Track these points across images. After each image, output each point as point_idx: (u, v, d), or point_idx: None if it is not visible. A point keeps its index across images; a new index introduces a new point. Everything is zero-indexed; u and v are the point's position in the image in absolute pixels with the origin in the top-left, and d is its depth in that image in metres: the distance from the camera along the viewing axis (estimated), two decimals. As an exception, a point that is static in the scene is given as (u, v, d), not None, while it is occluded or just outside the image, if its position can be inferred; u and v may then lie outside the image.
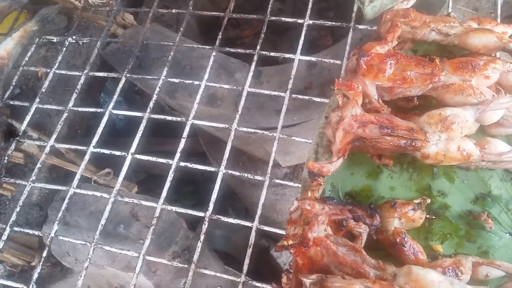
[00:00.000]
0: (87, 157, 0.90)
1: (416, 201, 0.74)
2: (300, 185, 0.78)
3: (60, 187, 0.89)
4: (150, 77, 0.97)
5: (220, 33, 0.98)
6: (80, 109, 0.97)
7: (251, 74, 0.91)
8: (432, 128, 0.70)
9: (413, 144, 0.71)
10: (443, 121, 0.70)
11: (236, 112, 0.87)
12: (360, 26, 0.93)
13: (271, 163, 0.82)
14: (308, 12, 0.96)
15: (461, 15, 2.74)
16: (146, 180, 2.15)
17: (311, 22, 0.96)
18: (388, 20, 0.84)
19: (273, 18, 0.98)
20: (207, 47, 0.98)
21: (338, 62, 0.91)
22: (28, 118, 0.99)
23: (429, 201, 0.74)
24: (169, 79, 0.94)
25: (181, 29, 1.00)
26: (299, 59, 0.92)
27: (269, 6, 0.99)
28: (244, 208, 1.97)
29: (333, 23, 0.96)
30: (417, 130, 0.71)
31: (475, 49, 0.80)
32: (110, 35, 1.21)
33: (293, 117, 1.02)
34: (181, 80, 0.94)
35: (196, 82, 0.92)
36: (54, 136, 0.95)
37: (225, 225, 1.93)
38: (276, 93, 0.90)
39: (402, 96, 0.77)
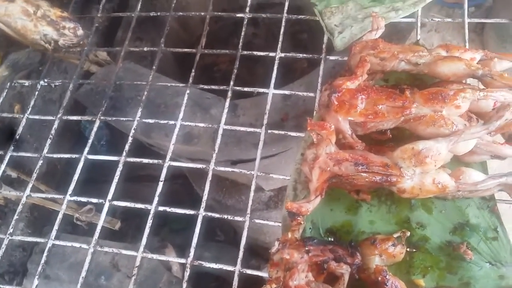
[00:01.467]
0: (64, 206, 0.88)
1: (396, 235, 0.74)
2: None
3: (38, 239, 0.87)
4: (124, 118, 0.96)
5: (193, 70, 0.97)
6: (55, 155, 0.95)
7: (225, 111, 0.91)
8: (406, 162, 0.71)
9: (389, 179, 0.71)
10: (417, 156, 0.70)
11: (213, 151, 0.86)
12: (331, 57, 0.94)
13: (250, 203, 0.82)
14: (279, 46, 0.97)
15: (435, 23, 2.78)
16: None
17: (283, 55, 0.96)
18: (357, 52, 0.85)
19: (245, 52, 0.98)
20: (181, 85, 0.97)
21: (312, 94, 0.91)
22: (2, 167, 0.97)
23: (408, 234, 0.74)
24: (143, 120, 0.93)
25: (154, 67, 0.99)
26: (273, 93, 0.92)
27: (241, 40, 0.99)
28: (232, 229, 1.97)
29: (305, 55, 0.96)
30: (391, 166, 0.72)
31: (445, 77, 0.81)
32: (84, 73, 1.21)
33: (271, 148, 1.02)
34: (156, 121, 0.93)
35: (171, 122, 0.92)
36: (30, 185, 0.93)
37: (214, 248, 1.92)
38: (252, 129, 0.90)
39: (375, 130, 0.78)
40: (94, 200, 0.88)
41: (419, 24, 0.94)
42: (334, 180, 0.74)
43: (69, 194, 0.89)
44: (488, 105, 0.78)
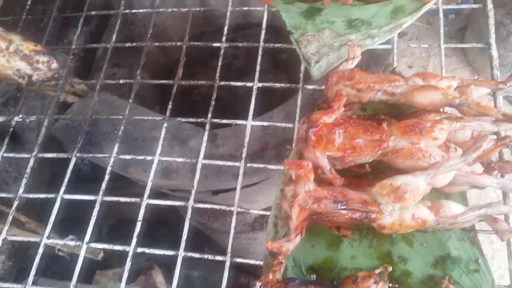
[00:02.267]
0: (41, 250, 0.86)
1: (378, 270, 0.73)
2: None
3: (15, 286, 0.85)
4: (101, 155, 0.94)
5: (170, 102, 0.96)
6: (30, 195, 0.93)
7: (204, 144, 0.90)
8: (385, 199, 0.70)
9: (368, 216, 0.71)
10: (395, 191, 0.70)
11: (192, 188, 0.85)
12: (309, 86, 0.93)
13: (230, 241, 0.80)
14: (257, 75, 0.96)
15: (416, 30, 2.79)
16: (117, 225, 2.11)
17: (260, 85, 0.95)
18: (334, 83, 0.84)
19: (222, 83, 0.97)
20: (158, 118, 0.96)
21: (290, 125, 0.90)
22: (-23, 208, 0.95)
23: (390, 269, 0.74)
24: (120, 156, 0.92)
25: (130, 100, 0.98)
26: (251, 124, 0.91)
27: (218, 71, 0.98)
28: (221, 247, 1.95)
29: (282, 85, 0.95)
30: (370, 202, 0.71)
31: (422, 106, 0.80)
32: (61, 105, 1.19)
33: (252, 178, 1.01)
34: (133, 156, 0.92)
35: (149, 158, 0.90)
36: (6, 228, 0.91)
37: (202, 266, 1.90)
38: (231, 163, 0.89)
39: (353, 164, 0.77)
40: (71, 243, 0.86)
41: (395, 51, 0.93)
42: (314, 217, 0.73)
43: (46, 237, 0.87)
44: (466, 135, 0.78)
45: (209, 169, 0.98)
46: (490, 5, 0.93)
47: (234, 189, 0.87)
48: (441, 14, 0.95)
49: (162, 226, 2.02)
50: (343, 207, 0.71)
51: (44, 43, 1.27)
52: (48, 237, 0.88)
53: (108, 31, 1.51)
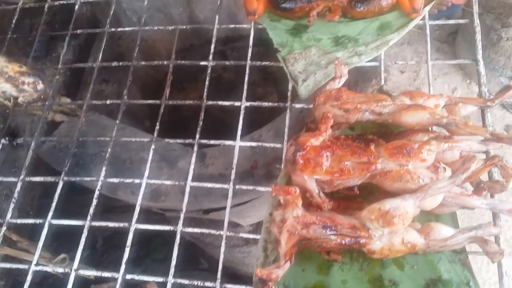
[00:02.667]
0: (29, 277, 0.85)
1: (369, 295, 0.73)
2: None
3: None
4: (88, 178, 0.93)
5: (158, 123, 0.95)
6: (18, 221, 0.92)
7: (192, 166, 0.89)
8: (374, 224, 0.70)
9: (358, 241, 0.70)
10: (384, 216, 0.69)
11: (181, 211, 0.84)
12: (297, 105, 0.92)
13: (220, 266, 0.79)
14: (244, 94, 0.95)
15: (407, 35, 2.80)
16: (112, 237, 2.10)
17: (248, 104, 0.94)
18: (321, 104, 0.83)
19: (210, 102, 0.96)
20: (146, 139, 0.95)
21: (279, 145, 0.89)
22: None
23: (382, 294, 0.73)
24: (108, 180, 0.91)
25: (117, 121, 0.97)
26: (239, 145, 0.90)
27: (205, 90, 0.97)
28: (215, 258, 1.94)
29: (270, 104, 0.95)
30: (359, 227, 0.71)
31: (410, 126, 0.80)
32: (49, 123, 1.17)
33: (242, 197, 1.00)
34: (121, 180, 0.91)
35: (137, 181, 0.89)
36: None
37: (197, 277, 1.89)
38: (219, 185, 0.88)
39: (342, 187, 0.76)
40: (60, 270, 0.85)
41: (382, 69, 0.93)
42: (304, 242, 0.73)
43: (34, 264, 0.86)
44: (454, 155, 0.77)
45: (199, 190, 0.97)
46: (476, 21, 0.93)
47: (225, 207, 0.86)
48: (427, 30, 0.95)
49: (157, 236, 2.01)
50: (332, 232, 0.71)
51: (32, 57, 1.26)
52: (37, 264, 0.87)
53: (97, 43, 1.50)
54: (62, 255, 1.21)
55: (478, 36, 0.91)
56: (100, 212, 0.91)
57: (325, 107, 0.83)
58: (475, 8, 0.94)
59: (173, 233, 0.83)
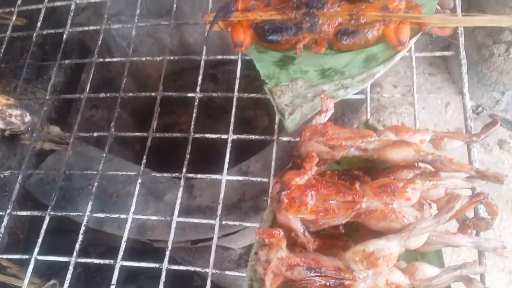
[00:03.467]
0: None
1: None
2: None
3: None
4: (74, 213, 0.93)
5: (144, 157, 0.95)
6: (5, 256, 0.92)
7: (178, 201, 0.89)
8: (358, 265, 0.69)
9: (342, 283, 0.70)
10: (368, 257, 0.69)
11: (166, 248, 0.84)
12: (284, 138, 0.92)
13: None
14: (231, 127, 0.95)
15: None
16: (106, 252, 2.09)
17: (235, 137, 0.94)
18: (307, 139, 0.83)
19: (197, 135, 0.96)
20: (132, 173, 0.95)
21: (266, 180, 0.89)
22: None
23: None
24: (94, 215, 0.90)
25: (104, 155, 0.96)
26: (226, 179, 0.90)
27: (192, 123, 0.97)
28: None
29: (257, 137, 0.94)
30: (344, 269, 0.70)
31: (395, 162, 0.80)
32: (37, 152, 1.17)
33: (230, 229, 1.00)
34: (107, 215, 0.90)
35: (123, 216, 0.89)
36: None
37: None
38: (205, 220, 0.88)
39: (327, 226, 0.76)
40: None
41: (368, 102, 0.93)
42: (289, 283, 0.72)
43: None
44: (439, 192, 0.77)
45: (186, 222, 0.97)
46: (462, 53, 0.93)
47: (211, 238, 0.86)
48: (413, 62, 0.95)
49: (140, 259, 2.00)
50: (316, 274, 0.70)
51: (23, 79, 1.26)
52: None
53: (88, 66, 1.50)
54: (52, 281, 1.21)
55: (464, 69, 0.91)
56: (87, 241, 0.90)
57: (310, 143, 0.83)
58: (461, 40, 0.94)
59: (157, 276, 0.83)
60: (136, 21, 1.12)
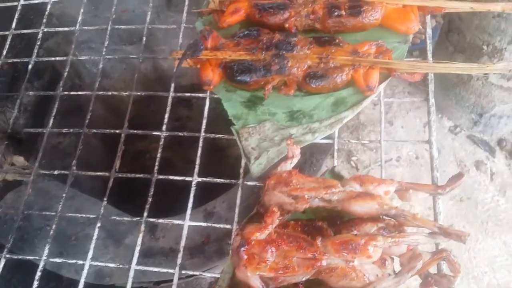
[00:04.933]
0: None
1: None
2: None
3: None
4: (31, 257, 0.90)
5: (105, 199, 0.92)
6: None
7: (137, 248, 0.86)
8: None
9: None
10: (327, 321, 0.67)
11: (125, 297, 0.81)
12: (249, 183, 0.90)
13: None
14: (196, 169, 0.93)
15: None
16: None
17: (200, 179, 0.92)
18: (271, 189, 0.82)
19: (161, 177, 0.94)
20: (92, 216, 0.92)
21: (229, 226, 0.87)
22: None
23: None
24: (51, 259, 0.87)
25: (64, 195, 0.93)
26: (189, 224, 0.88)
27: (157, 163, 0.94)
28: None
29: (223, 180, 0.92)
30: (301, 332, 0.69)
31: (359, 215, 0.79)
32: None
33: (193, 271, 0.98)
34: (64, 260, 0.87)
35: (80, 262, 0.86)
36: None
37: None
38: (165, 269, 0.85)
39: (287, 283, 0.74)
40: None
41: (335, 147, 0.92)
42: None
43: None
44: (402, 249, 0.76)
45: (148, 264, 0.94)
46: (432, 100, 0.92)
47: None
48: (382, 108, 0.94)
49: None
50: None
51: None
52: None
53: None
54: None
55: (432, 117, 0.90)
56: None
57: (274, 193, 0.81)
58: (431, 87, 0.93)
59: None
60: (104, 53, 1.09)
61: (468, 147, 2.42)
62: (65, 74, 1.08)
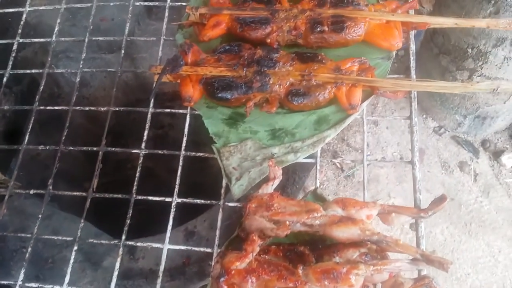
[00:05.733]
0: None
1: None
2: None
3: None
4: (6, 282, 0.87)
5: (82, 220, 0.89)
6: None
7: (116, 273, 0.84)
8: None
9: None
10: None
11: (101, 326, 0.79)
12: (230, 204, 0.89)
13: None
14: (176, 189, 0.91)
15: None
16: None
17: (180, 200, 0.90)
18: (252, 213, 0.80)
19: (139, 197, 0.91)
20: (69, 238, 0.89)
21: (209, 250, 0.85)
22: None
23: None
24: (26, 284, 0.85)
25: (40, 216, 0.90)
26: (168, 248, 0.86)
27: (135, 182, 0.92)
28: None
29: (203, 201, 0.90)
30: None
31: (340, 241, 0.77)
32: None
33: None
34: (41, 285, 0.85)
35: (57, 287, 0.84)
36: None
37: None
38: (144, 295, 0.83)
39: (267, 312, 0.73)
40: None
41: (318, 167, 0.90)
42: None
43: None
44: (383, 276, 0.75)
45: (127, 287, 0.93)
46: (415, 119, 0.91)
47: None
48: (365, 127, 0.92)
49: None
50: None
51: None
52: None
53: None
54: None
55: (416, 137, 0.89)
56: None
57: (255, 218, 0.80)
58: (414, 105, 0.92)
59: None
60: (81, 65, 1.06)
61: (452, 148, 2.43)
62: (41, 88, 1.04)
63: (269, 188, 0.84)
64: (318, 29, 0.93)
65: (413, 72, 0.94)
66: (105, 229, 1.02)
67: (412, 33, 0.95)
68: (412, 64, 0.94)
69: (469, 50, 2.03)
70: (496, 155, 2.36)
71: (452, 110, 2.35)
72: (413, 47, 0.95)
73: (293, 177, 0.98)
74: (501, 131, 2.42)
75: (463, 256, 2.16)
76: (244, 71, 0.92)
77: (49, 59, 1.07)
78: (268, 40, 0.95)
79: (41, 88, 1.04)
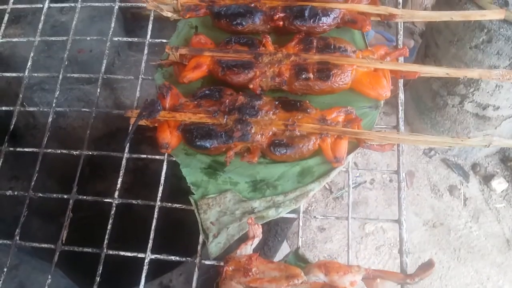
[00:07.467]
0: None
1: None
2: None
3: None
4: None
5: (49, 277, 0.84)
6: None
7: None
8: None
9: None
10: None
11: None
12: (207, 262, 0.84)
13: None
14: (150, 244, 0.85)
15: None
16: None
17: (153, 257, 0.85)
18: (228, 277, 0.75)
19: (111, 252, 0.86)
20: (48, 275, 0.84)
21: (184, 313, 0.80)
22: None
23: None
24: None
25: (5, 269, 0.85)
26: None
27: (106, 236, 0.87)
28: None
29: (178, 258, 0.85)
30: None
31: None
32: None
33: None
34: None
35: None
36: None
37: None
38: None
39: None
40: None
41: (300, 224, 0.85)
42: None
43: None
44: None
45: None
46: (402, 174, 0.87)
47: None
48: (350, 181, 0.88)
49: None
50: None
51: None
52: None
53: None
54: None
55: (403, 194, 0.84)
56: None
57: (231, 284, 0.75)
58: (402, 159, 0.88)
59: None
60: (54, 105, 1.00)
61: (442, 171, 2.40)
62: (11, 127, 0.99)
63: (248, 248, 0.80)
64: (303, 76, 0.88)
65: (401, 123, 0.90)
66: (77, 278, 0.97)
67: (401, 81, 0.91)
68: (401, 114, 0.90)
69: (461, 76, 2.00)
70: (486, 179, 2.33)
71: (443, 134, 2.32)
72: (401, 96, 0.91)
73: (275, 228, 0.93)
74: (492, 154, 2.39)
75: (452, 283, 2.13)
76: (225, 119, 0.87)
77: (21, 95, 1.02)
78: (251, 86, 0.90)
79: (11, 127, 0.99)
